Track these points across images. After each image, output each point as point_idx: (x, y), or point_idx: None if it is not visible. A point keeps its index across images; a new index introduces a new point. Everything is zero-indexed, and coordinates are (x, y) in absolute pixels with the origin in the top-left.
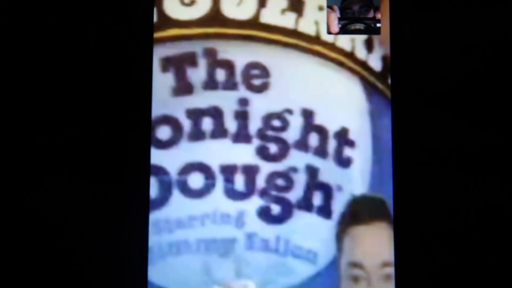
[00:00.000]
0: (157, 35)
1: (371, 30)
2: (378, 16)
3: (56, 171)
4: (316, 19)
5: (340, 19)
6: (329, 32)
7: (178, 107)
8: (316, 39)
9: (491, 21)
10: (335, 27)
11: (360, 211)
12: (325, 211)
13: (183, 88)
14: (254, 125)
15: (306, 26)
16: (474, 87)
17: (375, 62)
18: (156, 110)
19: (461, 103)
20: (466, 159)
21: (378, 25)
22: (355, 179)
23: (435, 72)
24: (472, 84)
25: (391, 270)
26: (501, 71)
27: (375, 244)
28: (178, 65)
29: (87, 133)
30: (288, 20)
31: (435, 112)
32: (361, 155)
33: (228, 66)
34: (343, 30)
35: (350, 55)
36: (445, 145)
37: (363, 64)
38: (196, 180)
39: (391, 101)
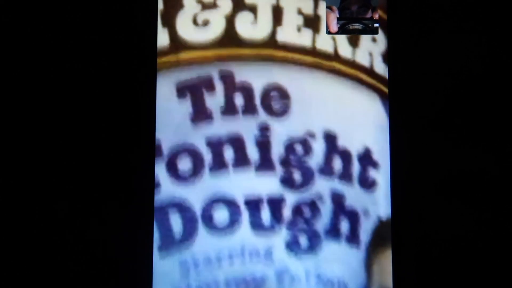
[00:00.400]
0: (171, 58)
1: (369, 30)
2: (376, 16)
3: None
4: (333, 35)
5: (339, 19)
6: (328, 32)
7: (197, 136)
8: (335, 56)
9: (491, 29)
10: (334, 27)
11: (387, 236)
12: (353, 238)
13: (202, 115)
14: (277, 152)
15: (324, 42)
16: (474, 91)
17: None
18: (175, 139)
19: (462, 110)
20: (467, 181)
21: (375, 25)
22: (381, 202)
23: (435, 84)
24: (472, 87)
25: None
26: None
27: None
28: (195, 90)
29: (94, 160)
30: (305, 38)
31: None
32: (385, 175)
33: (246, 89)
34: (342, 30)
35: (369, 71)
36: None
37: (382, 79)
38: (221, 215)
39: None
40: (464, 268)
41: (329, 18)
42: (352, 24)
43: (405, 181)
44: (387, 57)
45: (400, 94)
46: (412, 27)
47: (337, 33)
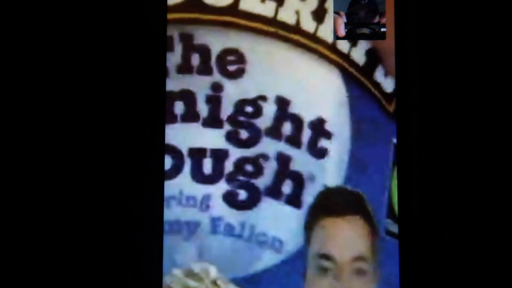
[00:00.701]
0: None
1: (376, 35)
2: (383, 21)
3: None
4: (297, 8)
5: (346, 24)
6: (336, 37)
7: None
8: (297, 29)
9: (495, 30)
10: (342, 31)
11: (333, 203)
12: (294, 200)
13: None
14: (226, 110)
15: (286, 15)
16: (476, 93)
17: (358, 55)
18: None
19: (465, 112)
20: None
21: (383, 29)
22: (329, 170)
23: (439, 79)
24: (475, 89)
25: (363, 264)
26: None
27: (348, 238)
28: None
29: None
30: (268, 9)
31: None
32: (338, 146)
33: (204, 51)
34: (350, 34)
35: (332, 47)
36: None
37: (345, 57)
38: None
39: (396, 115)
40: (470, 267)
41: (337, 23)
42: (359, 29)
43: (412, 183)
44: (395, 65)
45: (407, 99)
46: (419, 33)
47: (344, 37)
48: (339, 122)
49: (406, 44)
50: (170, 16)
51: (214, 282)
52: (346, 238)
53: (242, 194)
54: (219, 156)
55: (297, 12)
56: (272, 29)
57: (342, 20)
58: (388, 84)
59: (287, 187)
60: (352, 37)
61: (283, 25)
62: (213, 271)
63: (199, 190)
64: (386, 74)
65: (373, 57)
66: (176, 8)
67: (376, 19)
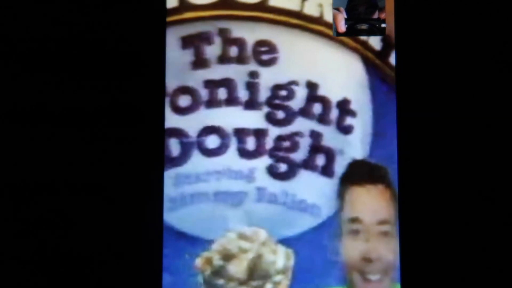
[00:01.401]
0: (178, 17)
1: (376, 30)
2: (383, 16)
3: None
4: (320, 2)
5: (346, 20)
6: (336, 33)
7: (197, 79)
8: (320, 20)
9: (496, 21)
10: (342, 27)
11: (360, 174)
12: (327, 171)
13: (201, 62)
14: (263, 94)
15: (310, 8)
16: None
17: (375, 42)
18: (178, 82)
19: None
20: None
21: (383, 25)
22: (355, 145)
23: (440, 66)
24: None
25: (388, 227)
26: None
27: (374, 204)
28: (197, 43)
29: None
30: (293, 3)
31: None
32: (361, 123)
33: (240, 43)
34: (350, 30)
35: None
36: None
37: (364, 44)
38: (212, 141)
39: (396, 95)
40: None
41: (337, 19)
42: (359, 25)
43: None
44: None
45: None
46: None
47: (344, 33)
48: (361, 101)
49: (406, 39)
50: (208, 13)
51: (263, 243)
52: (372, 204)
53: (282, 167)
54: (260, 134)
55: (320, 6)
56: (298, 22)
57: (342, 16)
58: None
59: (320, 160)
60: (353, 33)
61: (308, 17)
62: (262, 234)
63: (245, 164)
64: None
65: (387, 43)
66: (213, 6)
67: (376, 15)
